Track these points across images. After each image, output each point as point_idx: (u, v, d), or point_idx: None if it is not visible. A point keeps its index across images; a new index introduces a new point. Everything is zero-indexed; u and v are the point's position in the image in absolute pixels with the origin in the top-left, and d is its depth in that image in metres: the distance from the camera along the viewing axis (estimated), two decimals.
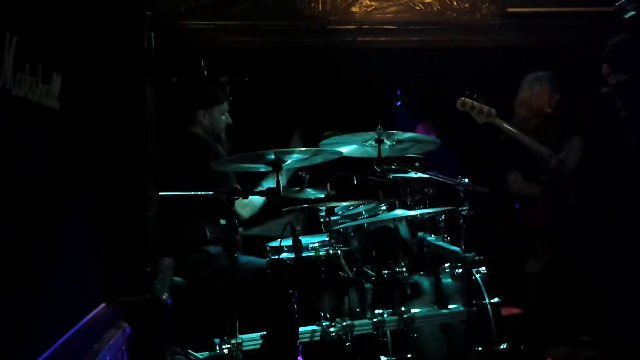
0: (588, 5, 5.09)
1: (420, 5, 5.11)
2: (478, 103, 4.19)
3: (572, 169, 4.10)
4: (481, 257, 3.26)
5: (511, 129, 4.23)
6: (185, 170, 3.34)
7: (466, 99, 4.21)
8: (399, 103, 5.81)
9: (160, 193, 2.56)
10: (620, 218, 3.83)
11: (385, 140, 3.14)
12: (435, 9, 5.11)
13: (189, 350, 2.99)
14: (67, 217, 1.84)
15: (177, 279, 3.16)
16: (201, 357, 2.93)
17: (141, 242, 2.23)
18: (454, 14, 5.13)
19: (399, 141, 3.21)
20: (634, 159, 3.89)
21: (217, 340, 2.83)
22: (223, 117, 3.78)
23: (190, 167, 3.38)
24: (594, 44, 4.66)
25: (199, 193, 2.94)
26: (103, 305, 1.99)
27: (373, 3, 5.06)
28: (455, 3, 5.13)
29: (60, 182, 1.76)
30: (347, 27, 5.06)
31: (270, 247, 3.35)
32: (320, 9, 5.04)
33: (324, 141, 3.25)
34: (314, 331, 2.95)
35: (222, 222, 3.40)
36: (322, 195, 3.40)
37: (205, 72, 3.53)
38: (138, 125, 2.28)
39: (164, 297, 2.08)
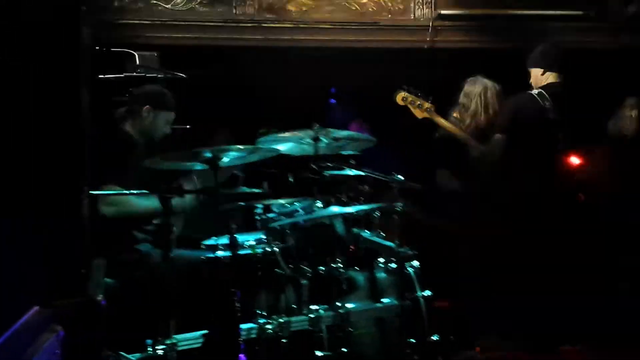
0: (520, 9, 5.27)
1: (356, 6, 5.19)
2: (418, 98, 4.27)
3: (490, 163, 4.20)
4: (414, 252, 3.35)
5: (449, 124, 4.34)
6: (114, 169, 3.26)
7: (406, 93, 4.28)
8: (333, 101, 5.88)
9: (93, 192, 2.52)
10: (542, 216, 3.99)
11: (322, 138, 3.18)
12: (370, 9, 5.20)
13: (121, 353, 2.94)
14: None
15: (107, 280, 3.11)
16: (133, 359, 2.88)
17: (76, 243, 2.20)
18: (389, 15, 5.23)
19: (336, 139, 3.26)
20: (560, 160, 4.06)
21: (149, 342, 2.78)
22: (165, 127, 3.67)
23: (119, 166, 3.29)
24: (525, 46, 4.86)
25: (135, 192, 2.90)
26: (36, 308, 1.95)
27: (309, 2, 5.11)
28: (389, 4, 5.23)
29: None
30: (284, 25, 5.09)
31: (205, 245, 3.34)
32: (256, 7, 5.05)
33: (261, 139, 3.27)
34: (250, 329, 2.95)
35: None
36: (258, 192, 3.42)
37: (140, 70, 3.47)
38: (73, 122, 2.25)
39: (99, 298, 2.06)
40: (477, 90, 4.47)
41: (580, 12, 5.33)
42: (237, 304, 2.74)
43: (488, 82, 4.50)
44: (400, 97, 4.30)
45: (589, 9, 5.30)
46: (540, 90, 4.12)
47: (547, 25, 5.30)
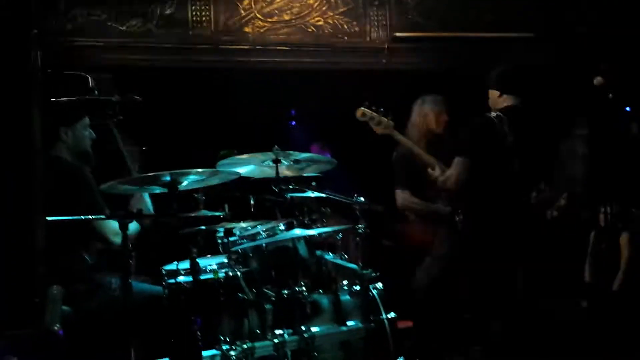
0: (473, 31, 5.39)
1: (312, 28, 5.22)
2: (377, 114, 4.29)
3: (455, 186, 4.23)
4: (377, 274, 3.33)
5: (407, 141, 4.36)
6: (56, 197, 3.15)
7: (365, 109, 4.30)
8: (293, 123, 5.88)
9: (48, 218, 2.43)
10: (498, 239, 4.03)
11: (282, 161, 3.15)
12: (326, 31, 5.24)
13: None
14: None
15: (65, 307, 3.00)
16: None
17: (29, 271, 2.12)
18: (345, 37, 5.28)
19: (296, 161, 3.24)
20: (516, 182, 4.10)
21: None
22: (86, 133, 3.55)
23: (60, 195, 3.18)
24: (479, 67, 4.95)
25: (91, 217, 2.81)
26: None
27: (266, 24, 5.11)
28: (345, 26, 5.28)
29: None
30: (241, 47, 5.08)
31: (166, 270, 3.26)
32: (213, 29, 5.03)
33: (221, 162, 3.23)
34: (213, 355, 2.88)
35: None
36: (219, 215, 3.36)
37: (96, 92, 3.39)
38: (24, 147, 2.18)
39: (56, 328, 1.97)
40: (418, 108, 4.58)
41: (530, 34, 5.48)
42: (198, 332, 2.67)
43: (428, 100, 4.59)
44: (360, 112, 4.31)
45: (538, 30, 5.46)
46: (498, 113, 4.17)
47: (499, 46, 5.43)
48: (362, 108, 4.29)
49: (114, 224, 3.17)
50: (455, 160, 4.12)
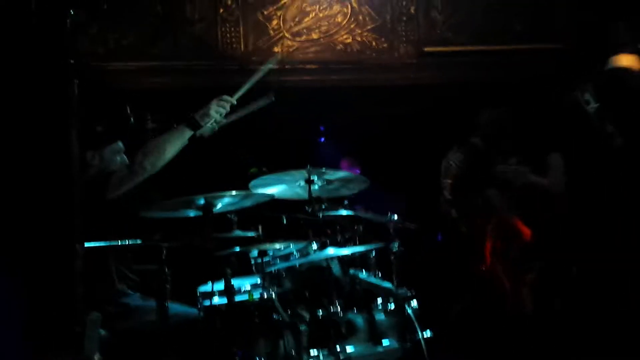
0: (501, 44, 5.36)
1: (341, 45, 5.24)
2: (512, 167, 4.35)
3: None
4: (413, 292, 3.30)
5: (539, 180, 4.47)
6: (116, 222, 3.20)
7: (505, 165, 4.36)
8: (322, 139, 5.90)
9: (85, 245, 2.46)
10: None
11: (315, 181, 3.16)
12: (354, 49, 5.25)
13: None
14: None
15: (102, 331, 3.03)
16: None
17: (69, 299, 2.14)
18: (373, 54, 5.28)
19: (329, 181, 3.24)
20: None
21: None
22: (118, 158, 3.50)
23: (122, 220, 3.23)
24: (508, 80, 4.92)
25: (127, 242, 2.85)
26: None
27: (294, 44, 5.15)
28: (374, 43, 5.29)
29: None
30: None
31: (201, 292, 3.28)
32: (242, 50, 5.08)
33: (253, 181, 3.24)
34: None
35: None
36: (252, 236, 3.38)
37: (132, 119, 3.44)
38: (63, 175, 2.21)
39: (96, 357, 1.99)
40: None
41: (560, 45, 5.43)
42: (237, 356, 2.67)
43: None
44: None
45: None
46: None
47: (529, 58, 5.39)
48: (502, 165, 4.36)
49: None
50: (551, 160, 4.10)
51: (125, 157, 3.58)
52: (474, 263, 4.47)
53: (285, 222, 3.66)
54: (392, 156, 5.27)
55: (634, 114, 3.91)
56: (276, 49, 5.11)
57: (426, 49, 5.30)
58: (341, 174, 3.31)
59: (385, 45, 5.31)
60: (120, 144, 3.55)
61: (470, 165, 4.64)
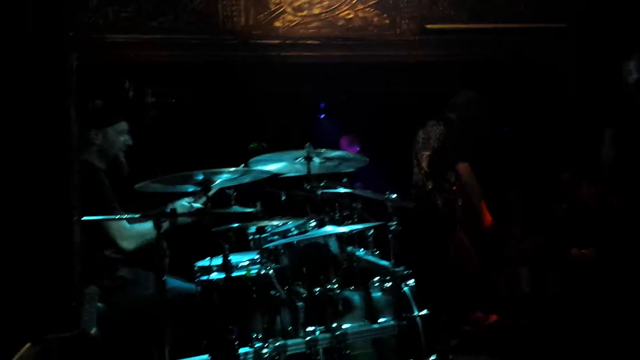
0: (504, 22, 5.31)
1: (342, 21, 5.19)
2: None
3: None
4: (410, 271, 3.31)
5: None
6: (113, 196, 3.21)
7: None
8: (322, 116, 5.88)
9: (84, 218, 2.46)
10: None
11: (314, 158, 3.15)
12: (356, 24, 5.20)
13: None
14: None
15: (100, 305, 3.05)
16: None
17: (66, 273, 2.14)
18: (375, 30, 5.23)
19: (328, 159, 3.23)
20: None
21: None
22: (121, 138, 3.55)
23: (120, 193, 3.24)
24: (510, 58, 4.88)
25: (125, 216, 2.84)
26: (28, 345, 1.89)
27: (296, 18, 5.09)
28: (375, 19, 5.23)
29: None
30: (271, 41, 5.07)
31: (198, 267, 3.29)
32: (243, 24, 5.03)
33: (253, 158, 3.23)
34: (246, 353, 2.90)
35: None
36: (250, 211, 3.38)
37: (131, 94, 3.41)
38: (61, 150, 2.20)
39: (93, 331, 2.00)
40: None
41: (563, 25, 5.38)
42: (235, 342, 2.69)
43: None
44: None
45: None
46: None
47: (531, 37, 5.35)
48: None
49: (125, 229, 3.20)
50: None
51: (128, 137, 3.57)
52: (446, 234, 4.54)
53: (283, 198, 3.66)
54: (392, 134, 5.25)
55: None
56: (277, 24, 5.06)
57: (428, 26, 5.25)
58: (339, 153, 3.30)
59: (387, 21, 5.25)
60: (124, 124, 3.53)
61: (447, 139, 4.70)
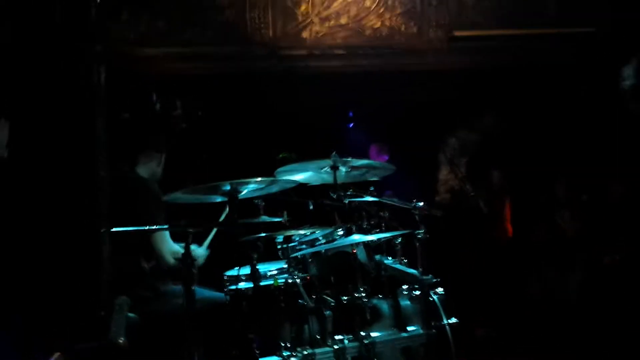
0: (531, 28, 5.26)
1: (369, 30, 5.20)
2: None
3: None
4: (438, 279, 3.29)
5: None
6: (126, 210, 3.25)
7: None
8: (351, 125, 5.88)
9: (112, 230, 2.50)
10: None
11: (340, 167, 3.16)
12: (383, 33, 5.20)
13: None
14: (15, 261, 1.79)
15: (130, 315, 3.09)
16: None
17: (95, 284, 2.19)
18: (402, 39, 5.23)
19: (354, 167, 3.23)
20: None
21: None
22: (159, 169, 3.70)
23: (132, 207, 3.28)
24: (539, 64, 4.82)
25: (154, 227, 2.89)
26: (58, 354, 1.93)
27: (323, 29, 5.12)
28: (403, 27, 5.23)
29: (8, 222, 1.72)
30: (298, 52, 5.10)
31: (227, 276, 3.31)
32: (270, 35, 5.07)
33: (280, 169, 3.25)
34: None
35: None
36: (278, 221, 3.40)
37: (158, 106, 3.47)
38: (89, 161, 2.25)
39: (121, 341, 2.03)
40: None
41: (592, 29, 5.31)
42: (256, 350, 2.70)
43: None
44: None
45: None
46: None
47: (561, 43, 5.28)
48: None
49: (170, 244, 3.26)
50: None
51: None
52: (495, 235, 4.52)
53: (311, 207, 3.67)
54: (420, 142, 5.22)
55: None
56: (304, 35, 5.09)
57: (456, 34, 5.22)
58: (366, 161, 3.30)
59: (414, 29, 5.25)
60: (164, 157, 3.62)
61: (482, 147, 4.71)
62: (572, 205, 4.89)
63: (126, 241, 3.13)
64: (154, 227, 2.90)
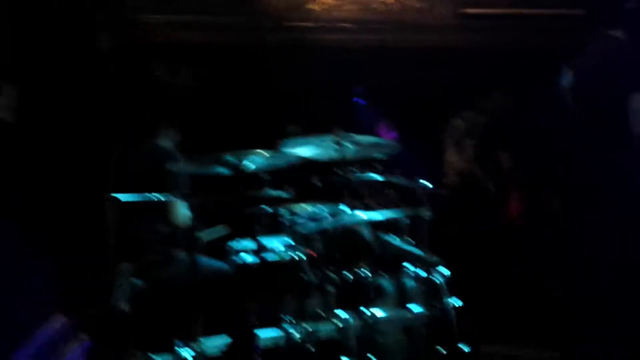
0: (541, 7, 5.17)
1: (379, 4, 5.11)
2: None
3: None
4: (441, 259, 3.26)
5: None
6: (148, 176, 3.21)
7: None
8: (359, 101, 5.81)
9: (118, 195, 2.46)
10: None
11: (347, 144, 3.11)
12: (393, 8, 5.11)
13: (149, 354, 2.90)
14: (20, 225, 1.76)
15: (136, 280, 3.06)
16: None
17: (100, 249, 2.16)
18: (412, 14, 5.14)
19: (359, 144, 3.19)
20: None
21: (178, 344, 2.75)
22: (177, 138, 3.58)
23: (153, 174, 3.24)
24: (547, 45, 4.75)
25: (159, 196, 2.84)
26: (62, 318, 1.91)
27: (330, 1, 5.03)
28: (411, 3, 5.14)
29: (12, 186, 1.68)
30: (305, 24, 5.02)
31: (232, 247, 3.28)
32: (277, 6, 4.98)
33: (285, 142, 3.20)
34: (277, 336, 2.90)
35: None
36: (284, 196, 3.36)
37: (160, 74, 3.40)
38: (97, 128, 2.21)
39: (124, 307, 2.00)
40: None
41: None
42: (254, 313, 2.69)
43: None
44: None
45: None
46: None
47: (569, 23, 5.20)
48: None
49: (183, 210, 3.24)
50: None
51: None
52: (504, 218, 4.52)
53: (316, 183, 3.63)
54: (428, 120, 5.16)
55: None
56: (312, 6, 5.00)
57: (464, 11, 5.14)
58: (370, 138, 3.26)
59: (425, 5, 5.16)
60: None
61: (489, 129, 4.65)
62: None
63: (145, 207, 3.11)
64: (157, 195, 2.85)
